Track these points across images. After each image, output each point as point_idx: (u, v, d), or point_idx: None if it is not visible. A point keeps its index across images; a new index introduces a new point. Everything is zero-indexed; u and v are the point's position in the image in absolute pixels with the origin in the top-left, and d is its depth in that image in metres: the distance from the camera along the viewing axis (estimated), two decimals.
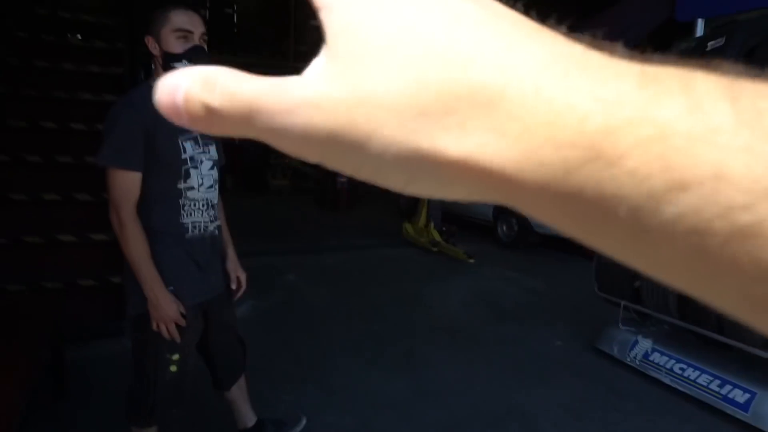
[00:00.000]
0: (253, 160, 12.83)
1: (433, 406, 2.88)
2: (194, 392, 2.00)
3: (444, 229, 6.68)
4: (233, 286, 2.15)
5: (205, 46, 1.85)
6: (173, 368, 1.85)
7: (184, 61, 1.77)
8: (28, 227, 3.85)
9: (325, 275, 5.36)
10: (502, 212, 7.03)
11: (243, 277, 2.20)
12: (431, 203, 6.82)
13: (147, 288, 1.71)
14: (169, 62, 1.78)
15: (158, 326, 1.74)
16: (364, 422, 2.70)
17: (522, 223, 6.68)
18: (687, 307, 3.11)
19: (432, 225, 6.69)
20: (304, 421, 2.55)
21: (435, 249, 6.44)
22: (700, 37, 3.36)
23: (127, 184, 1.71)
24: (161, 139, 1.75)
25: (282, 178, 12.11)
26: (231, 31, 10.29)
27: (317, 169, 11.72)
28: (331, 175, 9.77)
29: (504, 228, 7.04)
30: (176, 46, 1.77)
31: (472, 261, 5.99)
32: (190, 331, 1.85)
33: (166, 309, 1.73)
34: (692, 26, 3.60)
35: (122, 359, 3.25)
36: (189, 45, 1.78)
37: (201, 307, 1.94)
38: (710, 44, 3.08)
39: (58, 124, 4.31)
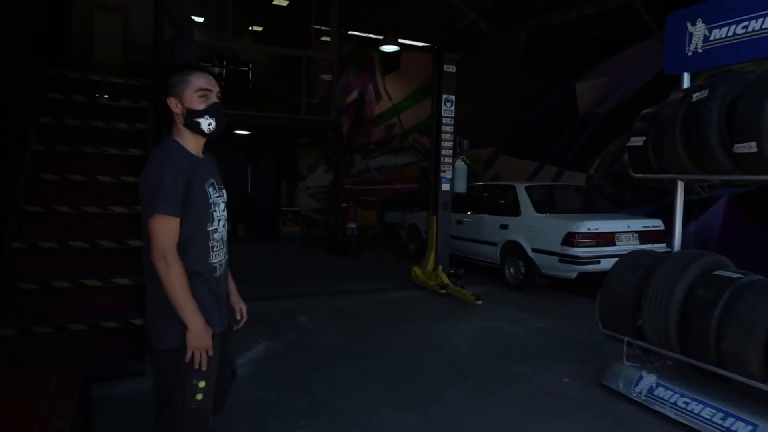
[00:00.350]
0: (264, 208, 13.16)
1: None
2: None
3: (452, 271, 6.82)
4: (237, 317, 2.30)
5: (220, 100, 2.10)
6: (199, 396, 2.00)
7: (206, 116, 2.03)
8: (56, 273, 4.08)
9: (335, 317, 5.50)
10: (509, 255, 7.18)
11: (245, 309, 2.35)
12: (440, 247, 7.00)
13: (190, 320, 1.89)
14: (193, 118, 2.03)
15: (193, 355, 1.91)
16: None
17: (528, 265, 6.81)
18: (688, 341, 3.23)
19: (440, 268, 6.84)
20: None
21: (443, 291, 6.57)
22: (686, 89, 3.60)
23: (173, 229, 1.91)
24: (196, 187, 1.98)
25: (292, 225, 12.36)
26: (246, 87, 10.77)
27: (327, 216, 12.01)
28: (341, 222, 10.01)
29: (511, 270, 7.17)
30: (199, 104, 2.02)
31: (480, 303, 6.10)
32: (215, 359, 2.03)
33: (205, 339, 1.91)
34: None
35: (143, 398, 3.41)
36: (210, 102, 2.04)
37: (219, 338, 2.11)
38: (695, 95, 3.32)
39: (86, 177, 4.59)
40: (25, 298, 3.87)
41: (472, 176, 12.23)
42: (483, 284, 7.24)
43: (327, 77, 11.62)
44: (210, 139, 2.11)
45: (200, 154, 2.12)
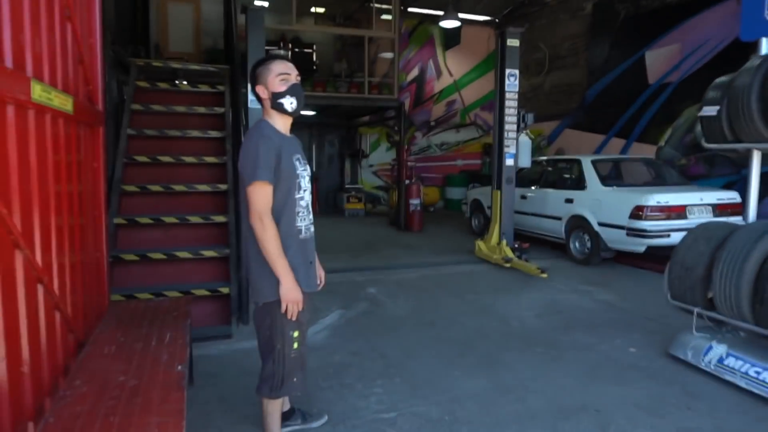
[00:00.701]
0: (328, 186, 13.59)
1: (510, 401, 3.14)
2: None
3: (516, 245, 6.88)
4: (317, 282, 2.56)
5: (299, 82, 2.36)
6: (295, 345, 2.31)
7: (287, 96, 2.29)
8: (152, 245, 4.51)
9: (402, 289, 5.73)
10: (574, 229, 7.14)
11: (323, 275, 2.64)
12: (503, 221, 7.05)
13: (282, 275, 2.18)
14: (277, 99, 2.31)
15: (286, 308, 2.19)
16: (448, 413, 3.00)
17: (594, 239, 6.76)
18: (761, 312, 3.20)
19: (504, 242, 6.92)
20: (325, 419, 2.87)
21: (508, 265, 6.65)
22: (763, 56, 3.49)
23: (268, 195, 2.20)
24: (285, 160, 2.26)
25: (356, 202, 12.69)
26: (311, 68, 11.07)
27: (390, 192, 12.22)
28: (405, 199, 10.21)
29: (577, 244, 7.13)
30: (280, 86, 2.30)
31: (545, 276, 6.15)
32: (305, 313, 2.32)
33: (295, 293, 2.20)
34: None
35: (232, 357, 3.78)
36: (290, 84, 2.31)
37: (307, 296, 2.38)
38: None
39: (173, 158, 5.00)
40: (127, 268, 4.32)
41: (535, 151, 12.16)
42: (548, 258, 7.25)
43: (388, 55, 11.73)
44: (294, 116, 2.37)
45: (288, 133, 2.38)
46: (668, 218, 6.15)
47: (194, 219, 4.67)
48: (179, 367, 2.15)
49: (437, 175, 14.46)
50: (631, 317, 4.75)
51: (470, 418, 2.95)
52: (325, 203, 13.56)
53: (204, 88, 6.05)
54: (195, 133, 5.35)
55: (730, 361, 3.37)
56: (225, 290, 4.35)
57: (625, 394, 3.23)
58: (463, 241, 8.68)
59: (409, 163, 10.74)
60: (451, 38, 14.23)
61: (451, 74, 14.47)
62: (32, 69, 1.79)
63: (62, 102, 2.04)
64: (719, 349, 3.47)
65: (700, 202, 6.34)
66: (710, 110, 3.65)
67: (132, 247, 4.44)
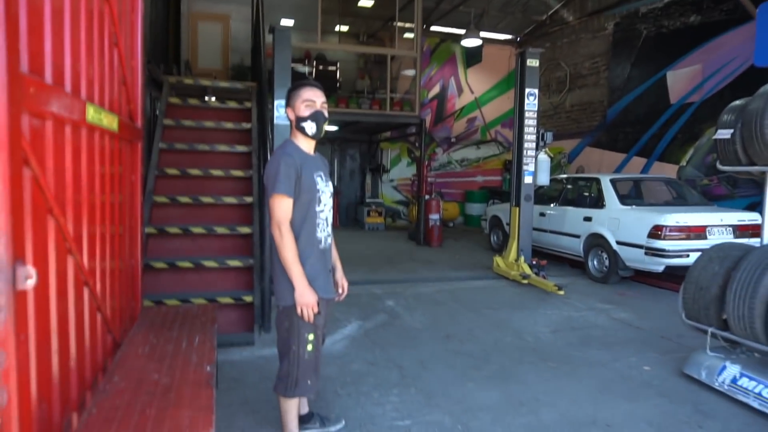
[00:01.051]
0: (349, 200, 13.79)
1: (522, 413, 3.22)
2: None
3: (534, 262, 6.93)
4: (339, 291, 2.76)
5: (326, 112, 2.58)
6: (309, 347, 2.48)
7: (309, 121, 2.51)
8: (180, 254, 4.71)
9: (420, 302, 5.84)
10: (592, 247, 7.18)
11: (346, 285, 2.83)
12: (521, 238, 7.12)
13: (295, 279, 2.37)
14: (300, 123, 2.54)
15: (301, 311, 2.36)
16: (461, 423, 3.09)
17: (612, 257, 6.79)
18: None
19: (522, 258, 6.98)
20: (342, 423, 2.99)
21: (525, 281, 6.71)
22: None
23: (287, 206, 2.41)
24: (306, 176, 2.47)
25: (376, 216, 12.86)
26: (334, 85, 11.33)
27: (410, 207, 12.36)
28: (424, 214, 10.33)
29: (595, 262, 7.15)
30: (305, 112, 2.53)
31: (561, 293, 6.20)
32: (320, 318, 2.50)
33: (308, 297, 2.38)
34: None
35: (255, 363, 3.92)
36: (313, 110, 2.53)
37: (325, 302, 2.53)
38: None
39: (202, 171, 5.22)
40: (156, 275, 4.52)
41: (556, 168, 12.20)
42: (566, 276, 7.28)
43: (411, 72, 11.95)
44: (315, 139, 2.57)
45: (311, 152, 2.57)
46: (687, 238, 6.16)
47: (221, 230, 4.86)
48: (208, 368, 2.30)
49: (457, 191, 14.56)
50: (647, 336, 4.78)
51: (483, 428, 3.03)
52: (346, 217, 13.76)
53: (232, 104, 6.30)
54: (223, 148, 5.58)
55: (744, 382, 3.40)
56: (248, 299, 4.52)
57: (637, 410, 3.29)
58: (481, 257, 8.75)
59: (428, 179, 10.87)
60: (473, 56, 14.41)
61: (472, 91, 14.63)
62: (86, 93, 1.98)
63: (109, 121, 2.24)
64: (733, 369, 3.50)
65: (720, 223, 6.34)
66: (725, 133, 3.72)
67: (161, 256, 4.65)
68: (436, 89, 14.38)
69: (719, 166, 3.86)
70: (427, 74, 14.04)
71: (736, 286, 3.41)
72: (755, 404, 3.27)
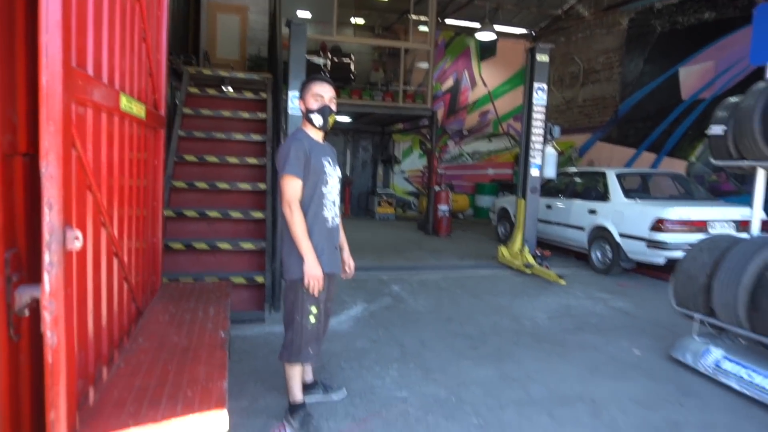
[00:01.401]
0: (361, 190, 14.04)
1: (513, 388, 3.44)
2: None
3: (538, 253, 7.11)
4: (347, 269, 3.02)
5: (334, 106, 2.81)
6: (312, 319, 2.71)
7: (316, 113, 2.75)
8: (197, 236, 4.98)
9: (425, 288, 6.06)
10: (596, 239, 7.33)
11: (353, 266, 3.08)
12: (527, 229, 7.30)
13: (305, 253, 2.60)
14: (309, 114, 2.80)
15: (308, 283, 2.58)
16: (455, 395, 3.32)
17: (615, 249, 6.94)
18: (756, 319, 3.41)
19: (527, 249, 7.16)
20: (344, 392, 3.24)
21: (528, 271, 6.90)
22: None
23: (297, 187, 2.65)
24: (314, 159, 2.71)
25: (387, 207, 13.09)
26: (348, 77, 11.53)
27: (420, 198, 12.55)
28: (434, 204, 10.53)
29: (598, 254, 7.31)
30: (313, 105, 2.78)
31: (563, 282, 6.38)
32: (324, 292, 2.73)
33: (316, 270, 2.61)
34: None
35: (264, 338, 4.18)
36: (321, 104, 2.77)
37: (330, 277, 2.77)
38: None
39: (218, 159, 5.48)
40: (173, 255, 4.79)
41: (567, 162, 12.31)
42: (569, 267, 7.46)
43: (425, 65, 12.11)
44: (323, 130, 2.81)
45: (320, 141, 2.81)
46: (689, 232, 6.29)
47: (235, 214, 5.13)
48: (222, 334, 2.55)
49: (468, 183, 14.73)
50: (642, 324, 4.96)
51: (474, 400, 3.26)
52: (357, 206, 14.01)
53: (248, 94, 6.55)
54: (239, 136, 5.84)
55: (726, 365, 3.58)
56: (260, 279, 4.79)
57: (623, 388, 3.49)
58: (488, 247, 8.94)
59: (439, 171, 11.06)
60: (487, 50, 14.52)
61: (485, 85, 14.74)
62: (119, 83, 2.23)
63: (139, 110, 2.48)
64: (717, 354, 3.68)
65: (722, 218, 6.46)
66: (717, 129, 3.88)
67: (179, 237, 4.92)
68: (449, 82, 14.51)
69: (712, 161, 4.02)
70: (441, 67, 14.18)
71: (722, 275, 3.58)
72: (735, 386, 3.45)
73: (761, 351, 3.63)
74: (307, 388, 3.11)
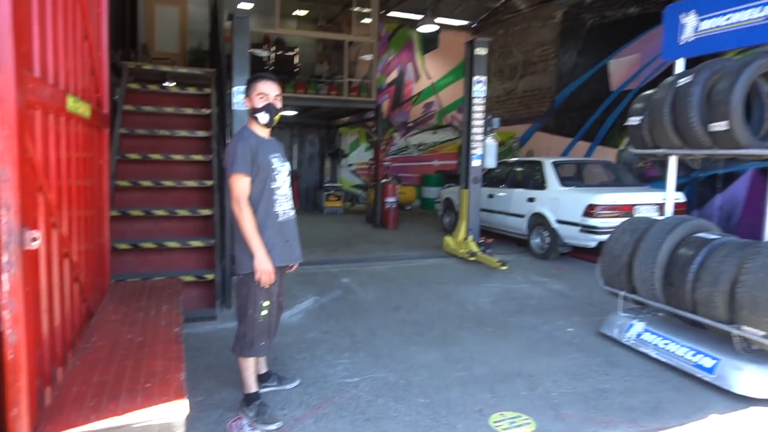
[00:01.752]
0: (308, 184, 14.05)
1: (457, 369, 3.67)
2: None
3: (481, 241, 7.43)
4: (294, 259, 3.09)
5: (279, 104, 2.90)
6: (264, 312, 2.82)
7: (262, 112, 2.85)
8: (143, 236, 4.94)
9: (373, 279, 6.24)
10: (535, 226, 7.73)
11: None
12: (470, 218, 7.60)
13: (255, 250, 2.70)
14: (254, 113, 2.89)
15: (259, 277, 2.69)
16: (404, 378, 3.51)
17: (553, 235, 7.35)
18: (670, 293, 3.78)
19: (470, 237, 7.46)
20: (298, 382, 3.37)
21: (472, 258, 7.20)
22: (677, 74, 4.07)
23: (245, 184, 2.74)
24: (261, 157, 2.80)
25: (335, 200, 13.18)
26: (292, 70, 11.50)
27: (368, 191, 12.71)
28: (381, 197, 10.71)
29: (537, 240, 7.71)
30: (258, 103, 2.87)
31: (504, 268, 6.71)
32: (276, 286, 2.84)
33: (266, 265, 2.72)
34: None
35: (216, 335, 4.23)
36: (266, 102, 2.86)
37: (282, 271, 2.88)
38: (681, 80, 3.81)
39: (163, 156, 5.43)
40: (120, 256, 4.74)
41: (508, 152, 12.77)
42: (511, 253, 7.82)
43: (369, 57, 12.22)
44: (269, 127, 2.92)
45: (266, 137, 2.90)
46: (617, 216, 6.75)
47: (182, 212, 5.11)
48: (176, 329, 2.62)
49: (414, 175, 15.00)
50: (576, 303, 5.33)
51: (422, 382, 3.46)
52: (305, 201, 14.01)
53: (191, 90, 6.48)
54: (183, 133, 5.79)
55: (646, 336, 3.95)
56: (210, 277, 4.81)
57: (557, 363, 3.78)
58: (434, 238, 9.22)
59: (385, 163, 11.25)
60: (430, 42, 14.78)
61: (429, 77, 15.02)
62: (64, 83, 2.25)
63: (84, 109, 2.50)
64: (638, 326, 4.05)
65: (647, 202, 6.96)
66: (635, 120, 4.22)
67: (125, 237, 4.87)
68: (393, 74, 14.70)
69: (630, 150, 4.37)
70: (385, 60, 14.34)
71: (641, 254, 3.94)
72: (654, 354, 3.82)
73: (676, 322, 4.01)
74: (261, 379, 3.21)
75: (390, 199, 10.68)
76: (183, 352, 2.35)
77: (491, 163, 7.85)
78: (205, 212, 5.16)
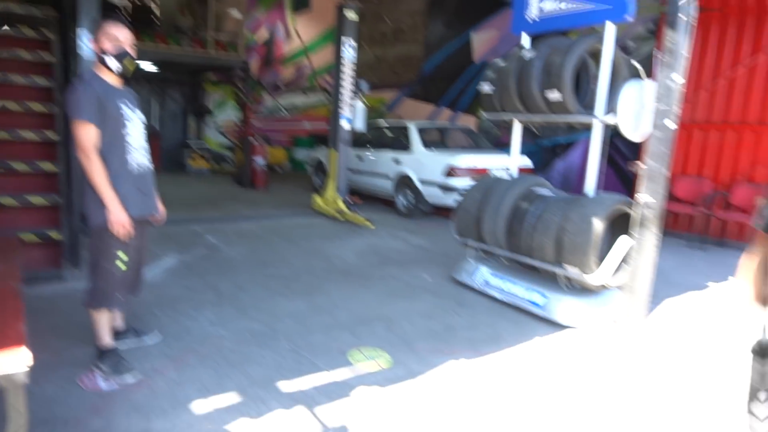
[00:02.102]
0: (171, 143, 13.22)
1: (321, 316, 3.84)
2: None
3: (349, 200, 7.64)
4: (156, 216, 3.03)
5: (132, 51, 2.74)
6: (120, 264, 2.71)
7: (111, 57, 2.69)
8: None
9: (240, 237, 6.18)
10: (401, 186, 8.11)
11: (163, 210, 3.09)
12: (338, 178, 7.76)
13: (108, 201, 2.58)
14: (103, 57, 2.69)
15: (115, 229, 2.59)
16: (269, 327, 3.60)
17: (416, 195, 7.79)
18: (512, 241, 4.26)
19: (339, 197, 7.64)
20: (159, 337, 3.30)
21: (341, 217, 7.41)
22: (522, 48, 4.50)
23: (91, 133, 2.58)
24: (109, 104, 2.65)
25: (200, 160, 12.59)
26: (153, 21, 10.63)
27: (236, 151, 12.32)
28: (248, 156, 10.46)
29: (402, 200, 8.12)
30: (108, 47, 2.68)
31: (372, 226, 7.01)
32: (132, 239, 2.74)
33: (120, 215, 2.62)
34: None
35: (64, 295, 3.98)
36: (117, 47, 2.69)
37: (140, 224, 2.79)
38: (526, 53, 4.23)
39: None
40: None
41: (378, 117, 13.08)
42: (378, 212, 8.15)
43: (236, 14, 11.66)
44: (121, 76, 2.75)
45: (115, 84, 2.73)
46: (474, 178, 7.33)
47: (20, 166, 4.61)
48: (13, 284, 2.44)
49: (285, 137, 14.79)
50: (435, 255, 5.76)
51: (287, 329, 3.58)
52: (168, 160, 13.19)
53: (28, 32, 5.74)
54: (19, 80, 5.15)
55: (491, 279, 4.44)
56: (56, 236, 4.44)
57: (412, 307, 4.12)
58: (304, 198, 9.26)
59: (254, 123, 10.96)
60: (301, 2, 14.45)
61: (300, 38, 14.73)
62: None
63: None
64: (485, 271, 4.53)
65: (499, 165, 7.62)
66: (486, 87, 4.61)
67: None
68: (264, 34, 14.20)
69: (482, 114, 4.77)
70: (254, 17, 13.78)
71: (488, 208, 4.37)
72: (497, 295, 4.31)
73: (517, 267, 4.55)
74: (118, 335, 3.11)
75: (259, 160, 10.48)
76: (23, 307, 2.21)
77: (360, 125, 8.03)
78: (49, 167, 4.71)
